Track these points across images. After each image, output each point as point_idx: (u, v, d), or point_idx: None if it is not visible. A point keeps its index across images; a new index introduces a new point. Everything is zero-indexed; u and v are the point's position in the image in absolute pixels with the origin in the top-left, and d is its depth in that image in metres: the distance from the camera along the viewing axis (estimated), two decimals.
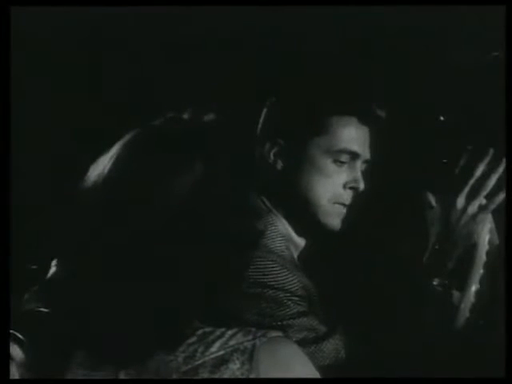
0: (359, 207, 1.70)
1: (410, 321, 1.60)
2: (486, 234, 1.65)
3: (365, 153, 1.69)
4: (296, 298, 1.60)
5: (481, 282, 1.64)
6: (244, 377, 1.02)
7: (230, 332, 1.05)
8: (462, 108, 1.77)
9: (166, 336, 1.04)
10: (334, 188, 1.66)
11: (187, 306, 1.05)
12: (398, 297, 1.63)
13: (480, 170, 1.63)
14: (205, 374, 1.02)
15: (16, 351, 1.04)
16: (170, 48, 2.19)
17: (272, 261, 1.60)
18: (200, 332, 1.05)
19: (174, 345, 1.04)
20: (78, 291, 1.05)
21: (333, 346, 1.56)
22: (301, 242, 1.72)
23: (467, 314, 1.62)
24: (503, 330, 1.42)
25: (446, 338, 1.60)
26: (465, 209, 1.63)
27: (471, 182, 1.63)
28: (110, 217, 1.03)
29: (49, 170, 2.16)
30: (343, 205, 1.67)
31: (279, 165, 1.68)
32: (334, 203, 1.67)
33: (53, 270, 1.10)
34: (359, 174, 1.67)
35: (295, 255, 1.71)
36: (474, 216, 1.63)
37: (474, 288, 1.63)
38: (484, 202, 1.63)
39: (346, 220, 1.68)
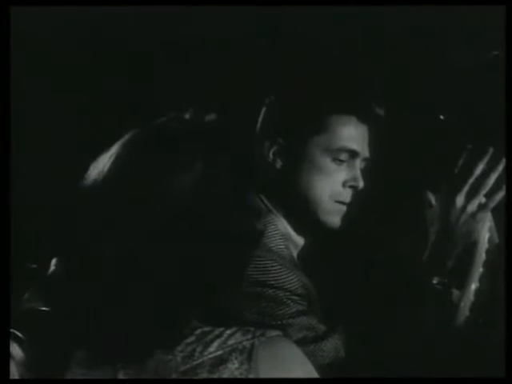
0: (359, 206, 1.70)
1: (409, 319, 1.60)
2: (485, 233, 1.65)
3: (364, 151, 1.69)
4: (295, 297, 1.60)
5: (480, 281, 1.64)
6: (243, 377, 1.02)
7: (228, 331, 1.05)
8: (462, 107, 1.77)
9: (164, 335, 1.04)
10: (333, 186, 1.66)
11: (186, 305, 1.06)
12: (397, 295, 1.63)
13: (480, 169, 1.63)
14: (203, 374, 1.02)
15: (16, 350, 1.04)
16: (170, 48, 2.19)
17: (271, 260, 1.60)
18: (198, 331, 1.05)
19: (173, 344, 1.04)
20: (78, 290, 1.05)
21: (332, 345, 1.56)
22: (300, 240, 1.73)
23: (467, 313, 1.62)
24: (503, 329, 1.42)
25: (445, 337, 1.60)
26: (464, 207, 1.63)
27: (471, 180, 1.63)
28: (109, 216, 1.03)
29: (49, 169, 2.16)
30: (343, 203, 1.67)
31: (278, 164, 1.68)
32: (334, 201, 1.67)
33: (53, 269, 1.10)
34: (358, 173, 1.68)
35: (294, 254, 1.71)
36: (474, 215, 1.63)
37: (473, 286, 1.63)
38: (483, 200, 1.63)
39: (345, 218, 1.69)
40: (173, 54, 2.19)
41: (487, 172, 1.62)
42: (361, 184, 1.67)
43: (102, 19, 2.13)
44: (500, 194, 1.61)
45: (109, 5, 2.02)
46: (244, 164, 1.12)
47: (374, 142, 1.70)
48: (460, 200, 1.63)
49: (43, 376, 1.04)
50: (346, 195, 1.67)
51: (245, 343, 1.04)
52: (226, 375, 1.02)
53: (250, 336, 1.05)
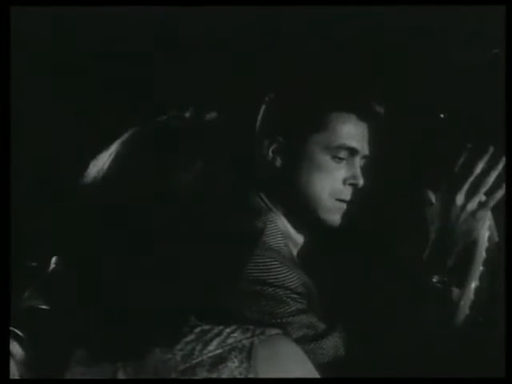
0: (359, 204, 1.70)
1: (409, 318, 1.60)
2: (485, 231, 1.65)
3: (363, 149, 1.69)
4: (295, 296, 1.60)
5: (480, 279, 1.64)
6: (242, 375, 1.02)
7: (228, 330, 1.05)
8: (462, 106, 1.77)
9: (164, 334, 1.04)
10: (333, 184, 1.66)
11: (186, 304, 1.06)
12: (397, 294, 1.63)
13: (479, 168, 1.63)
14: (203, 373, 1.02)
15: (15, 348, 1.04)
16: (170, 47, 2.19)
17: (271, 258, 1.60)
18: (198, 330, 1.05)
19: (172, 343, 1.03)
20: (78, 289, 1.05)
21: (332, 344, 1.56)
22: (300, 238, 1.73)
23: (467, 311, 1.62)
24: (503, 328, 1.42)
25: (445, 336, 1.60)
26: (464, 206, 1.63)
27: (471, 179, 1.63)
28: (109, 215, 1.03)
29: (49, 169, 2.16)
30: (343, 201, 1.68)
31: (278, 162, 1.68)
32: (334, 199, 1.67)
33: (52, 267, 1.10)
34: (358, 170, 1.68)
35: (294, 252, 1.71)
36: (474, 213, 1.63)
37: (473, 285, 1.64)
38: (483, 198, 1.64)
39: (345, 216, 1.69)
40: (173, 53, 2.20)
41: (487, 170, 1.63)
42: (361, 182, 1.67)
43: (102, 19, 2.13)
44: (500, 193, 1.62)
45: (109, 5, 2.02)
46: (244, 162, 1.12)
47: (375, 140, 1.71)
48: (460, 198, 1.63)
49: (43, 374, 1.04)
50: (346, 193, 1.67)
51: (244, 342, 1.04)
52: (225, 374, 1.02)
53: (249, 334, 1.05)
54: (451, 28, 2.04)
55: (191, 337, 1.04)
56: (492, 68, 1.73)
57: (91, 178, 1.06)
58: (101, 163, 1.06)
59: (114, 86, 2.18)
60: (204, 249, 1.04)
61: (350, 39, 2.10)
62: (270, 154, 1.68)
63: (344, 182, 1.67)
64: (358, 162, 1.69)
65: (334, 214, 1.68)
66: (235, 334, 1.05)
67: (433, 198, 1.68)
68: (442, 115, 1.73)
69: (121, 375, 1.04)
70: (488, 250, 1.65)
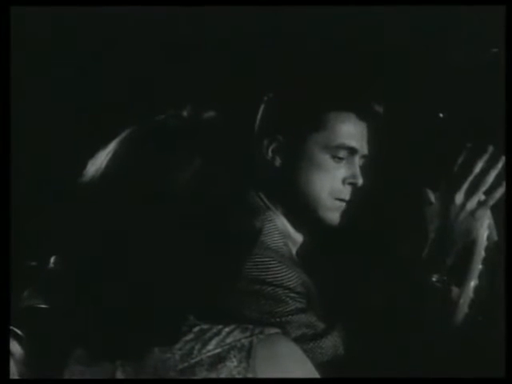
0: (358, 203, 1.70)
1: (409, 317, 1.60)
2: (484, 230, 1.65)
3: (363, 148, 1.69)
4: (294, 295, 1.60)
5: (480, 278, 1.64)
6: (241, 375, 1.02)
7: (227, 329, 1.05)
8: (462, 106, 1.77)
9: (163, 333, 1.04)
10: (332, 183, 1.67)
11: (185, 303, 1.06)
12: (396, 293, 1.64)
13: (479, 167, 1.63)
14: (202, 372, 1.02)
15: (15, 347, 1.04)
16: (168, 47, 2.19)
17: (270, 257, 1.60)
18: (197, 329, 1.05)
19: (171, 342, 1.04)
20: (77, 288, 1.05)
21: (331, 343, 1.56)
22: (299, 238, 1.73)
23: (466, 310, 1.62)
24: (503, 326, 1.42)
25: (445, 334, 1.60)
26: (464, 205, 1.63)
27: (470, 178, 1.63)
28: (108, 213, 1.03)
29: (49, 169, 2.16)
30: (343, 200, 1.68)
31: (277, 161, 1.69)
32: (334, 199, 1.67)
33: (52, 266, 1.10)
34: (358, 170, 1.68)
35: (293, 251, 1.72)
36: (473, 212, 1.63)
37: (472, 284, 1.64)
38: (483, 198, 1.64)
39: (345, 215, 1.69)
40: (172, 53, 2.20)
41: (487, 170, 1.63)
42: (360, 181, 1.68)
43: (102, 19, 2.13)
44: (499, 192, 1.62)
45: (109, 5, 2.02)
46: (242, 162, 1.12)
47: (374, 139, 1.71)
48: (459, 198, 1.63)
49: (42, 373, 1.04)
50: (346, 192, 1.68)
51: (243, 341, 1.04)
52: (224, 373, 1.02)
53: (248, 334, 1.05)
54: (451, 28, 2.04)
55: (190, 336, 1.05)
56: (492, 68, 1.73)
57: (89, 177, 1.06)
58: (99, 162, 1.06)
59: (113, 86, 2.18)
60: (202, 248, 1.04)
61: (350, 39, 2.10)
62: (270, 153, 1.69)
63: (343, 181, 1.68)
64: (358, 161, 1.69)
65: (333, 213, 1.68)
66: (234, 334, 1.05)
67: (432, 197, 1.68)
68: (441, 115, 1.73)
69: (120, 374, 1.04)
70: (487, 249, 1.65)
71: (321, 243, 1.74)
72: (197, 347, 1.03)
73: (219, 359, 1.03)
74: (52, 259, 1.10)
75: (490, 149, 1.63)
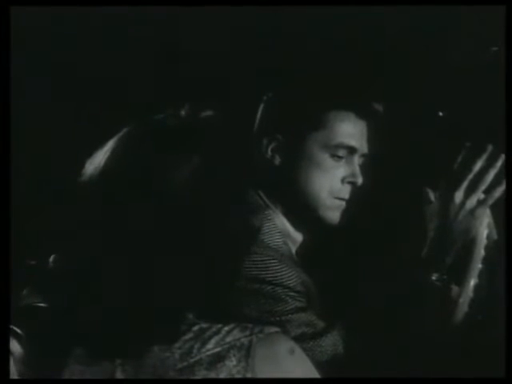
0: (358, 202, 1.70)
1: (408, 316, 1.60)
2: (484, 229, 1.65)
3: (362, 147, 1.69)
4: (294, 294, 1.60)
5: (479, 277, 1.64)
6: (240, 374, 1.02)
7: (226, 328, 1.05)
8: (462, 105, 1.77)
9: (162, 332, 1.04)
10: (332, 183, 1.67)
11: (184, 302, 1.06)
12: (396, 292, 1.64)
13: (478, 166, 1.63)
14: (201, 371, 1.02)
15: (15, 346, 1.04)
16: (168, 47, 2.20)
17: (270, 256, 1.61)
18: (196, 328, 1.05)
19: (171, 341, 1.03)
20: (76, 287, 1.05)
21: (331, 342, 1.57)
22: (298, 237, 1.73)
23: (466, 309, 1.62)
24: (503, 325, 1.42)
25: (445, 333, 1.61)
26: (463, 204, 1.63)
27: (470, 177, 1.63)
28: (106, 212, 1.03)
29: (49, 169, 2.16)
30: (342, 199, 1.68)
31: (277, 160, 1.69)
32: (333, 198, 1.67)
33: (52, 265, 1.10)
34: (357, 169, 1.68)
35: (293, 250, 1.72)
36: (473, 211, 1.63)
37: (472, 283, 1.64)
38: (482, 196, 1.64)
39: (345, 214, 1.69)
40: (170, 53, 2.20)
41: (486, 169, 1.63)
42: (359, 180, 1.68)
43: (102, 19, 2.13)
44: (499, 191, 1.62)
45: (109, 5, 2.03)
46: (241, 161, 1.12)
47: (374, 138, 1.71)
48: (459, 196, 1.64)
49: (42, 373, 1.04)
50: (345, 191, 1.68)
51: (243, 340, 1.04)
52: (223, 372, 1.02)
53: (248, 333, 1.05)
54: (451, 28, 2.04)
55: (190, 335, 1.04)
56: (491, 68, 1.73)
57: (88, 176, 1.06)
58: (97, 161, 1.06)
59: (113, 86, 2.18)
60: (201, 247, 1.04)
61: (350, 39, 2.10)
62: (269, 152, 1.69)
63: (343, 180, 1.68)
64: (357, 160, 1.69)
65: (333, 212, 1.68)
66: (234, 333, 1.05)
67: (432, 196, 1.68)
68: (440, 113, 1.73)
69: (119, 373, 1.04)
70: (487, 248, 1.65)
71: (320, 242, 1.75)
72: (196, 346, 1.03)
73: (218, 358, 1.03)
74: (51, 258, 1.10)
75: (490, 148, 1.64)
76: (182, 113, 1.09)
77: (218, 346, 1.03)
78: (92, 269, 1.04)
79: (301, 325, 1.57)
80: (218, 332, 1.05)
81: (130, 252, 1.02)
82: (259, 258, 1.58)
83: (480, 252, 1.65)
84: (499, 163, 1.62)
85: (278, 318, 1.56)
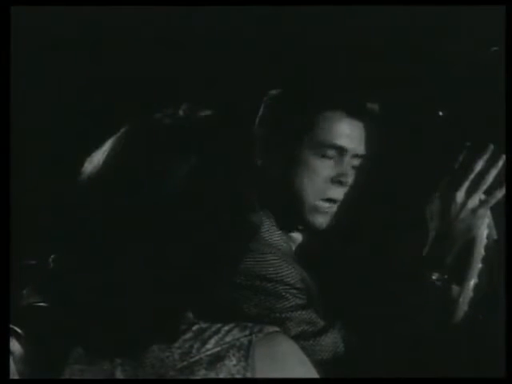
0: (358, 201, 1.70)
1: (408, 315, 1.60)
2: (484, 229, 1.66)
3: (355, 148, 1.67)
4: (294, 291, 1.60)
5: (479, 276, 1.64)
6: (240, 373, 1.02)
7: (226, 328, 1.05)
8: (462, 104, 1.77)
9: (162, 332, 1.04)
10: (319, 183, 1.65)
11: (184, 302, 1.06)
12: (397, 291, 1.64)
13: (480, 165, 1.63)
14: (201, 371, 1.02)
15: (14, 346, 1.04)
16: (167, 47, 2.20)
17: (270, 254, 1.61)
18: (196, 328, 1.05)
19: (170, 341, 1.04)
20: (76, 287, 1.05)
21: (331, 340, 1.57)
22: (298, 236, 1.73)
23: (466, 308, 1.63)
24: (503, 325, 1.42)
25: (445, 332, 1.61)
26: (465, 203, 1.63)
27: (471, 176, 1.63)
28: (105, 212, 1.03)
29: (49, 169, 2.17)
30: (331, 201, 1.66)
31: (266, 161, 1.68)
32: (321, 200, 1.66)
33: (51, 265, 1.10)
34: (346, 169, 1.66)
35: (293, 248, 1.72)
36: (474, 210, 1.63)
37: (472, 282, 1.64)
38: (483, 197, 1.64)
39: (336, 217, 1.68)
40: (169, 52, 2.20)
41: (487, 168, 1.63)
42: (348, 180, 1.65)
43: (102, 19, 2.13)
44: (501, 192, 1.62)
45: (109, 5, 2.03)
46: (239, 160, 1.12)
47: (374, 138, 1.70)
48: (460, 196, 1.64)
49: (42, 372, 1.04)
50: (335, 193, 1.66)
51: (242, 340, 1.04)
52: (223, 372, 1.02)
53: (247, 332, 1.05)
54: (451, 28, 2.04)
55: (189, 335, 1.04)
56: (492, 67, 1.73)
57: (87, 176, 1.06)
58: (95, 161, 1.06)
59: (114, 86, 2.19)
60: (201, 246, 1.04)
61: (350, 39, 2.10)
62: (260, 153, 1.69)
63: (331, 180, 1.66)
64: (348, 160, 1.67)
65: (319, 215, 1.66)
66: (233, 332, 1.05)
67: (432, 195, 1.68)
68: (440, 113, 1.73)
69: (119, 373, 1.04)
70: (487, 248, 1.65)
71: (321, 241, 1.74)
72: (196, 346, 1.03)
73: (218, 358, 1.03)
74: (51, 258, 1.10)
75: (491, 147, 1.64)
76: (180, 112, 1.09)
77: (218, 346, 1.03)
78: (91, 268, 1.04)
79: (301, 322, 1.57)
80: (217, 332, 1.05)
81: (129, 251, 1.02)
82: (260, 256, 1.59)
83: (480, 251, 1.65)
84: (500, 163, 1.62)
85: (278, 315, 1.56)
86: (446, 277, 1.63)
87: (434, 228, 1.65)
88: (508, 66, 1.62)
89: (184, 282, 1.04)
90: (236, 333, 1.05)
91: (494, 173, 1.62)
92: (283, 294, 1.58)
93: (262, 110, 1.73)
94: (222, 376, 1.02)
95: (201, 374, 1.02)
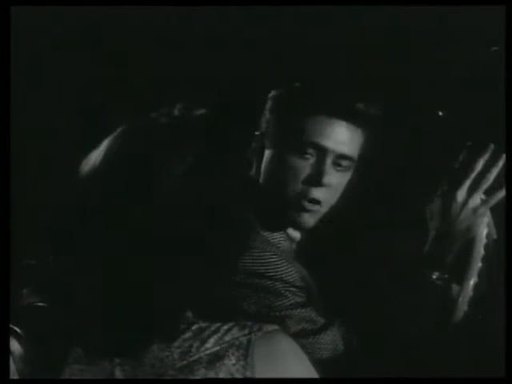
0: (358, 201, 1.70)
1: (408, 314, 1.61)
2: (483, 228, 1.66)
3: (340, 148, 1.64)
4: (294, 289, 1.60)
5: (479, 276, 1.64)
6: (239, 372, 1.02)
7: (225, 327, 1.05)
8: (462, 104, 1.77)
9: (161, 331, 1.04)
10: (299, 183, 1.64)
11: (183, 301, 1.06)
12: (397, 290, 1.64)
13: (480, 164, 1.63)
14: (200, 370, 1.02)
15: (14, 346, 1.05)
16: (165, 46, 2.20)
17: (270, 252, 1.61)
18: (195, 327, 1.05)
19: (170, 340, 1.04)
20: (76, 286, 1.05)
21: (330, 339, 1.57)
22: (297, 234, 1.72)
23: (465, 308, 1.63)
24: (502, 324, 1.42)
25: (444, 332, 1.61)
26: (465, 202, 1.63)
27: (472, 175, 1.63)
28: (104, 212, 1.03)
29: (49, 169, 2.17)
30: (313, 201, 1.65)
31: (257, 161, 1.69)
32: (304, 199, 1.65)
33: (51, 264, 1.10)
34: (325, 168, 1.63)
35: (293, 246, 1.72)
36: (475, 210, 1.63)
37: (472, 282, 1.64)
38: (484, 197, 1.64)
39: (324, 217, 1.67)
40: (166, 52, 2.20)
41: (488, 167, 1.63)
42: (326, 180, 1.63)
43: (102, 19, 2.14)
44: (501, 192, 1.62)
45: (109, 5, 2.03)
46: (236, 159, 1.12)
47: (368, 138, 1.69)
48: (461, 195, 1.64)
49: (42, 372, 1.04)
50: (316, 192, 1.64)
51: (241, 339, 1.04)
52: (222, 371, 1.02)
53: (246, 331, 1.05)
54: (451, 28, 2.05)
55: (189, 334, 1.05)
56: (492, 67, 1.73)
57: (83, 175, 1.06)
58: (92, 161, 1.06)
59: (114, 86, 2.19)
60: (200, 245, 1.04)
61: (350, 39, 2.11)
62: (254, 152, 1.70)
63: (309, 180, 1.64)
64: (332, 161, 1.64)
65: (307, 214, 1.65)
66: (233, 332, 1.05)
67: (433, 194, 1.68)
68: (440, 113, 1.73)
69: (118, 373, 1.04)
70: (486, 247, 1.65)
71: (320, 239, 1.74)
72: (195, 345, 1.03)
73: (217, 357, 1.03)
74: (51, 258, 1.11)
75: (492, 147, 1.64)
76: (175, 112, 1.09)
77: (217, 345, 1.04)
78: (91, 268, 1.04)
79: (300, 320, 1.57)
80: (216, 331, 1.05)
81: (128, 251, 1.02)
82: (260, 253, 1.59)
83: (480, 251, 1.65)
84: (501, 162, 1.62)
85: (277, 313, 1.56)
86: (446, 276, 1.63)
87: (434, 227, 1.65)
88: (508, 66, 1.62)
89: (183, 281, 1.04)
90: (235, 332, 1.05)
91: (495, 172, 1.62)
92: (283, 292, 1.58)
93: (264, 110, 1.73)
94: (221, 375, 1.02)
95: (200, 373, 1.02)
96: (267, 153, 1.69)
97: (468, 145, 1.66)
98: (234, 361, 1.02)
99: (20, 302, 1.09)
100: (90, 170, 1.06)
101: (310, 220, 1.66)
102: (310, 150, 1.64)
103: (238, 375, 1.02)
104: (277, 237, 1.66)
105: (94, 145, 1.10)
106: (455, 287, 1.64)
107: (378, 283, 1.72)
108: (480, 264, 1.65)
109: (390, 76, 2.03)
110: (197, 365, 1.02)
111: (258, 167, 1.69)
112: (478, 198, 1.64)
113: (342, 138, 1.65)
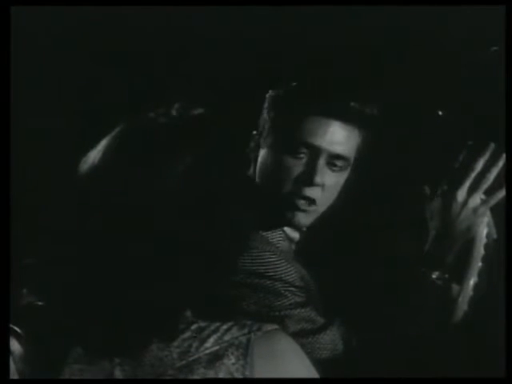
0: (358, 201, 1.70)
1: (408, 314, 1.61)
2: (483, 228, 1.66)
3: (334, 148, 1.63)
4: (294, 289, 1.60)
5: (479, 276, 1.64)
6: (239, 372, 1.02)
7: (224, 326, 1.05)
8: (462, 104, 1.78)
9: (160, 331, 1.04)
10: (290, 182, 1.63)
11: (183, 301, 1.06)
12: (396, 290, 1.64)
13: (481, 164, 1.63)
14: (199, 370, 1.02)
15: (14, 346, 1.05)
16: (168, 47, 2.20)
17: (269, 251, 1.61)
18: (195, 327, 1.05)
19: (169, 340, 1.04)
20: (75, 286, 1.05)
21: (330, 338, 1.57)
22: (296, 234, 1.73)
23: (465, 307, 1.63)
24: (503, 324, 1.42)
25: (444, 332, 1.61)
26: (466, 202, 1.63)
27: (472, 175, 1.63)
28: (102, 212, 1.03)
29: (49, 169, 2.17)
30: (307, 199, 1.64)
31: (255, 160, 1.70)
32: (296, 198, 1.64)
33: (51, 264, 1.10)
34: (317, 168, 1.62)
35: (293, 246, 1.72)
36: (475, 209, 1.63)
37: (472, 281, 1.64)
38: (484, 197, 1.64)
39: (320, 217, 1.67)
40: (164, 51, 2.21)
41: (488, 167, 1.63)
42: (318, 180, 1.62)
43: (102, 19, 2.14)
44: (502, 192, 1.62)
45: (109, 5, 2.03)
46: (234, 158, 1.12)
47: (367, 138, 1.69)
48: (461, 195, 1.64)
49: (41, 372, 1.04)
50: (309, 191, 1.63)
51: (241, 338, 1.04)
52: (222, 371, 1.02)
53: (246, 331, 1.05)
54: (451, 28, 2.05)
55: (188, 334, 1.05)
56: (492, 67, 1.73)
57: (82, 175, 1.06)
58: (90, 160, 1.06)
59: (114, 86, 2.19)
60: (199, 245, 1.04)
61: (350, 39, 2.11)
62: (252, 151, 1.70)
63: (301, 179, 1.63)
64: (325, 160, 1.63)
65: (302, 214, 1.64)
66: (232, 331, 1.05)
67: (433, 194, 1.68)
68: (440, 112, 1.73)
69: (118, 373, 1.04)
70: (486, 247, 1.65)
71: (320, 239, 1.74)
72: (194, 345, 1.03)
73: (217, 357, 1.03)
74: (51, 258, 1.11)
75: (492, 146, 1.64)
76: (173, 112, 1.09)
77: (217, 345, 1.04)
78: (91, 268, 1.04)
79: (300, 320, 1.57)
80: (216, 330, 1.05)
81: (127, 251, 1.02)
82: (259, 253, 1.59)
83: (480, 250, 1.65)
84: (501, 162, 1.62)
85: (277, 313, 1.56)
86: (446, 276, 1.63)
87: (434, 227, 1.65)
88: (508, 66, 1.62)
89: (182, 281, 1.04)
90: (235, 331, 1.05)
91: (495, 172, 1.62)
92: (282, 291, 1.58)
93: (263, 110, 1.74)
94: (221, 375, 1.02)
95: (200, 372, 1.02)
96: (262, 152, 1.69)
97: (468, 144, 1.66)
98: (233, 360, 1.02)
99: (20, 302, 1.09)
100: (88, 169, 1.06)
101: (305, 219, 1.66)
102: (303, 150, 1.64)
103: (237, 375, 1.02)
104: (275, 236, 1.66)
105: (94, 145, 1.10)
106: (455, 287, 1.64)
107: (378, 283, 1.72)
108: (480, 264, 1.65)
109: (389, 76, 2.03)
110: (196, 364, 1.02)
111: (255, 166, 1.69)
112: (478, 197, 1.64)
113: (336, 137, 1.64)
